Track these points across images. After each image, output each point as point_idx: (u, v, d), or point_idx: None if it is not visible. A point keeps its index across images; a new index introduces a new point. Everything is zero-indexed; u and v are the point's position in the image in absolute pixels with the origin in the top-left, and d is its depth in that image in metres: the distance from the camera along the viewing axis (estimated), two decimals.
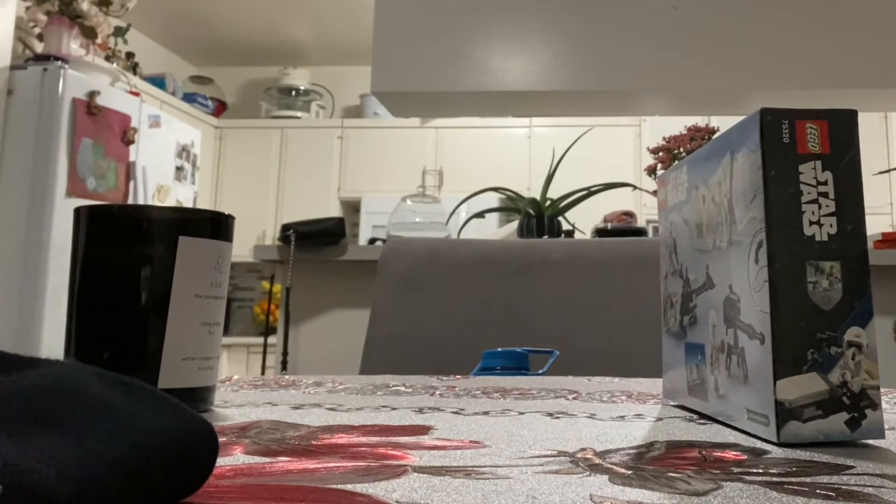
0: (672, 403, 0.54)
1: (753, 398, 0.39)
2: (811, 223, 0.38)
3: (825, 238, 0.38)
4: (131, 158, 3.25)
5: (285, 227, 2.17)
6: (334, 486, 0.27)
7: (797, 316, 0.37)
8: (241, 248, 4.97)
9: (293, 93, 5.43)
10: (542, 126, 4.87)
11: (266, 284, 5.20)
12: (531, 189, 4.48)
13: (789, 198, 0.38)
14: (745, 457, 0.34)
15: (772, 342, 0.37)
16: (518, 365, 0.85)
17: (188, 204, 3.68)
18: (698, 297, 0.47)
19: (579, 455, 0.34)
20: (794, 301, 0.37)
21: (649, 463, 0.32)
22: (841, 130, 0.38)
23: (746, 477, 0.29)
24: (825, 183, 0.38)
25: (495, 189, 2.45)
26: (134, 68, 4.45)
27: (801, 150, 0.38)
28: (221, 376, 0.69)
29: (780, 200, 0.38)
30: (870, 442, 0.38)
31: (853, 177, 0.38)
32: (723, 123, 3.35)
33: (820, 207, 0.38)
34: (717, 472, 0.30)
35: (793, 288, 0.37)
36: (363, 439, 0.38)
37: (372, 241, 2.79)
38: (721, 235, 0.43)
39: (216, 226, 0.48)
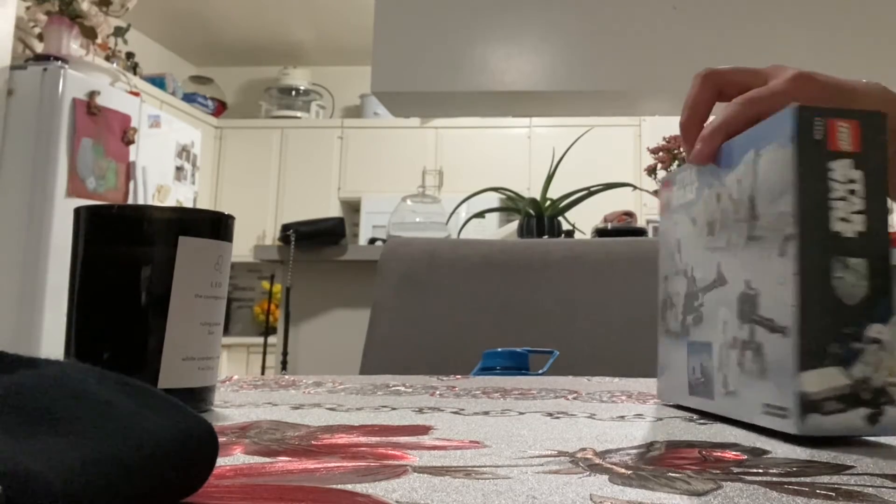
0: (668, 404, 0.53)
1: (772, 392, 0.39)
2: (839, 220, 0.38)
3: (853, 235, 0.38)
4: (131, 158, 3.25)
5: (285, 227, 2.17)
6: (334, 486, 0.27)
7: (822, 311, 0.37)
8: (241, 248, 4.97)
9: (293, 93, 5.43)
10: (542, 126, 4.87)
11: (266, 284, 5.20)
12: (531, 189, 4.48)
13: (819, 194, 0.38)
14: (745, 457, 0.34)
15: (797, 336, 0.37)
16: (518, 365, 0.85)
17: (188, 204, 3.68)
18: (706, 296, 0.47)
19: (579, 455, 0.34)
20: (820, 296, 0.38)
21: (649, 463, 0.32)
22: (870, 131, 0.39)
23: (746, 477, 0.29)
24: (854, 181, 0.39)
25: (495, 189, 2.45)
26: (134, 68, 4.45)
27: (832, 147, 0.39)
28: (221, 376, 0.69)
29: (811, 196, 0.38)
30: (870, 441, 0.38)
31: (880, 176, 0.39)
32: None
33: (848, 205, 0.38)
34: (717, 472, 0.30)
35: (819, 283, 0.38)
36: (363, 439, 0.38)
37: (372, 241, 2.79)
38: (739, 232, 0.43)
39: (216, 226, 0.48)
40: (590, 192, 2.23)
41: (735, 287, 0.43)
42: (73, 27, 3.23)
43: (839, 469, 0.31)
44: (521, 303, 1.16)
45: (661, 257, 0.55)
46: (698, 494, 0.26)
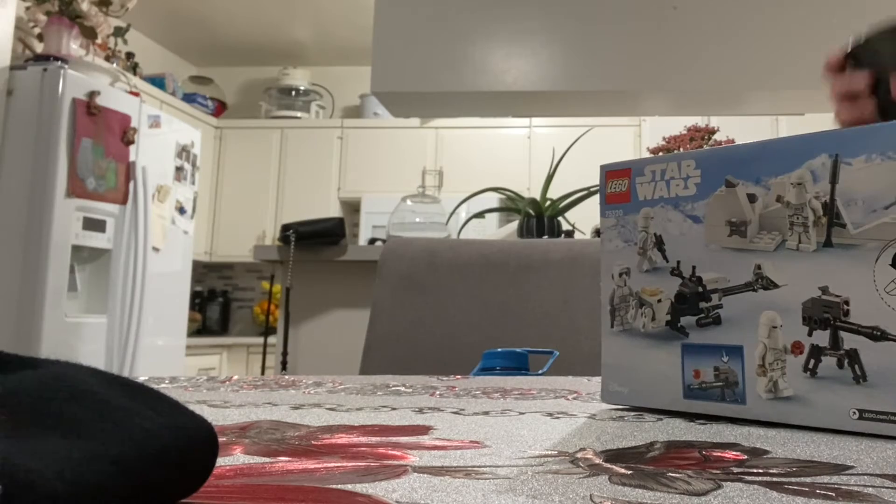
0: (628, 406, 0.51)
1: (876, 398, 0.39)
2: None
3: None
4: (131, 158, 3.25)
5: (285, 227, 2.17)
6: (334, 486, 0.27)
7: None
8: (241, 248, 4.97)
9: (293, 93, 5.43)
10: (542, 126, 4.87)
11: (266, 284, 5.20)
12: (531, 189, 4.48)
13: None
14: (745, 457, 0.34)
15: None
16: (518, 365, 0.85)
17: (188, 205, 3.68)
18: (728, 297, 0.46)
19: (579, 455, 0.34)
20: None
21: (649, 463, 0.32)
22: None
23: (746, 477, 0.29)
24: None
25: (495, 189, 2.45)
26: (134, 68, 4.45)
27: None
28: (221, 376, 0.69)
29: None
30: (870, 442, 0.38)
31: None
32: (723, 123, 3.34)
33: None
34: (717, 472, 0.30)
35: None
36: (363, 439, 0.38)
37: (372, 241, 2.79)
38: (806, 236, 0.43)
39: None
40: (590, 192, 2.23)
41: (796, 291, 0.43)
42: (72, 27, 3.23)
43: (839, 469, 0.31)
44: (522, 303, 1.16)
45: (607, 252, 0.53)
46: (698, 494, 0.26)
